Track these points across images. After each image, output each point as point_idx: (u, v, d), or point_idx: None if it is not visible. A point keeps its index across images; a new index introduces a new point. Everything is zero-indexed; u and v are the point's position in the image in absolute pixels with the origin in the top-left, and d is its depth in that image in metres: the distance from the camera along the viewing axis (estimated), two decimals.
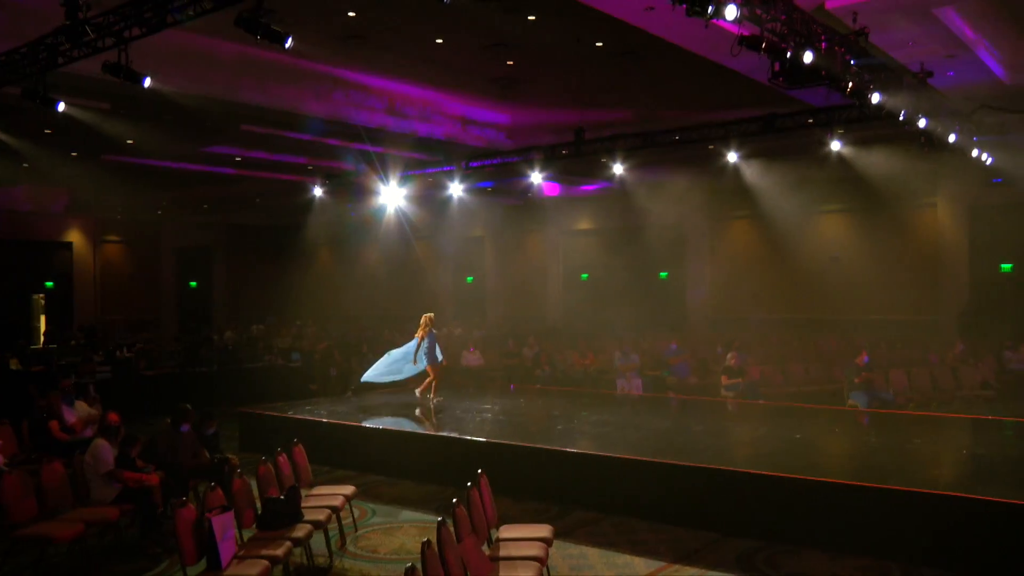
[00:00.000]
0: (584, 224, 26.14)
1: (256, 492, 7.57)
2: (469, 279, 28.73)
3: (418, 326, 12.48)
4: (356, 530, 8.40)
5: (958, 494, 7.12)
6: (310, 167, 20.27)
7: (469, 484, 6.46)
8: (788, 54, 8.35)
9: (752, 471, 8.15)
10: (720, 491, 8.07)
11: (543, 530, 6.71)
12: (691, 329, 22.46)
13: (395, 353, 12.81)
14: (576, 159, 15.69)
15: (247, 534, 7.03)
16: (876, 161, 16.60)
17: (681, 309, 23.63)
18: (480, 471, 6.94)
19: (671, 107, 16.15)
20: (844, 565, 7.06)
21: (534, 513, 8.56)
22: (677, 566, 7.24)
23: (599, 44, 13.36)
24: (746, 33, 8.21)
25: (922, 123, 11.79)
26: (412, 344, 12.43)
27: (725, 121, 13.82)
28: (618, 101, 16.44)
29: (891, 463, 8.64)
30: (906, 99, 11.31)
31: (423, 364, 12.41)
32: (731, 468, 8.30)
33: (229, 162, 19.63)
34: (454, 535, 5.71)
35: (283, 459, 7.97)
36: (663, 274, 24.19)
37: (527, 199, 24.48)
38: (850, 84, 9.79)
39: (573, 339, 19.40)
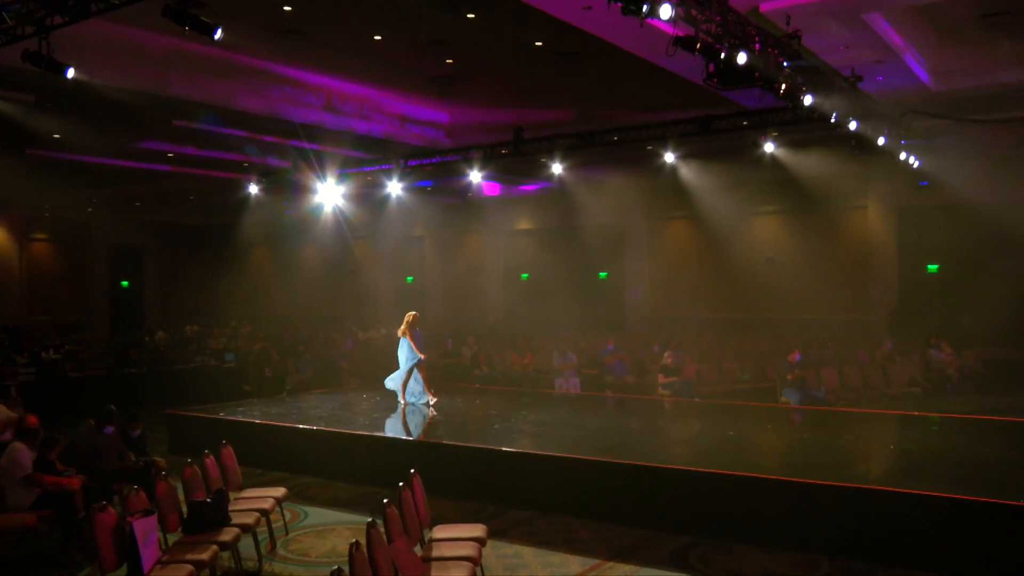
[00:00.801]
0: (524, 224, 26.15)
1: (182, 496, 7.36)
2: (409, 279, 28.52)
3: (402, 322, 12.46)
4: (287, 533, 8.23)
5: (887, 488, 7.25)
6: (246, 164, 19.88)
7: (401, 484, 6.36)
8: (723, 55, 8.43)
9: (686, 468, 8.21)
10: (655, 488, 8.10)
11: (477, 530, 6.64)
12: (630, 328, 22.63)
13: (402, 370, 12.60)
14: (515, 158, 15.65)
15: (172, 539, 6.83)
16: (809, 164, 16.92)
17: (620, 309, 23.79)
18: (413, 471, 6.84)
19: (610, 108, 16.25)
20: (776, 560, 7.14)
21: (470, 513, 8.48)
22: (611, 563, 7.25)
23: (539, 44, 13.38)
24: (681, 34, 8.27)
25: (853, 126, 12.04)
26: (405, 343, 12.35)
27: (662, 122, 13.93)
28: (558, 101, 16.49)
29: (822, 459, 8.79)
30: (837, 102, 11.54)
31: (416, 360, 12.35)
32: (665, 465, 8.35)
33: (161, 158, 19.15)
34: (385, 536, 5.61)
35: (210, 461, 7.76)
36: (602, 274, 24.32)
37: (467, 199, 24.39)
38: (783, 86, 9.94)
39: (513, 339, 19.37)
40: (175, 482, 7.34)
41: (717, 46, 8.42)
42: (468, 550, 6.19)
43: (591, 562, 7.29)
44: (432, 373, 17.52)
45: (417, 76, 15.49)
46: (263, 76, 14.66)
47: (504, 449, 9.19)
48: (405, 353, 12.34)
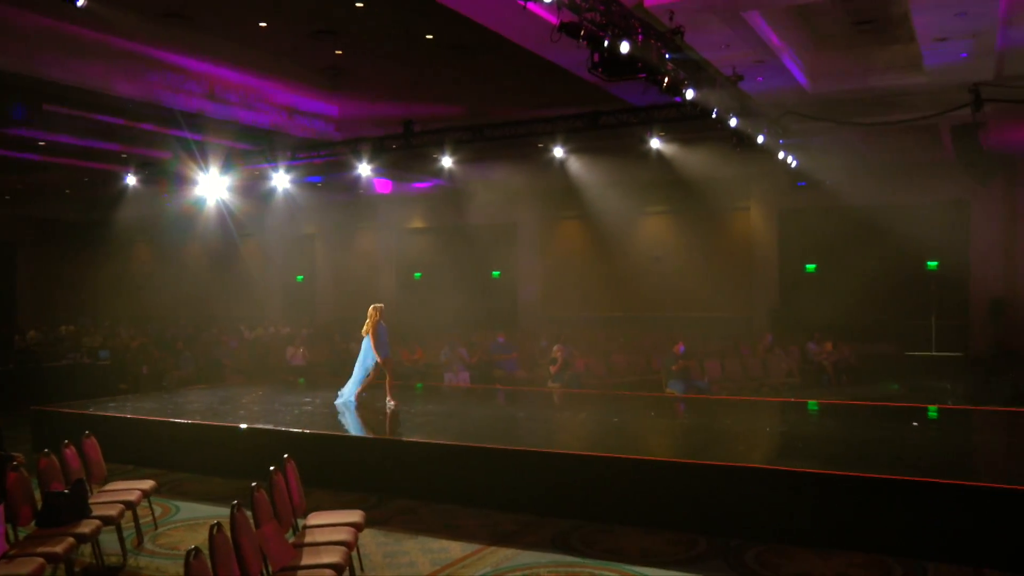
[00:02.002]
0: (417, 222, 25.98)
1: (37, 487, 6.92)
2: (299, 278, 27.92)
3: (365, 318, 11.08)
4: (156, 527, 7.85)
5: (763, 466, 7.46)
6: (124, 155, 19.03)
7: (272, 468, 6.13)
8: (606, 43, 8.51)
9: (567, 452, 8.24)
10: (539, 474, 8.10)
11: (354, 515, 6.48)
12: (522, 326, 22.75)
13: (357, 365, 11.40)
14: (406, 152, 15.50)
15: (26, 533, 6.40)
16: (695, 165, 17.40)
17: (513, 307, 23.91)
18: (286, 456, 6.62)
19: (501, 103, 16.26)
20: (655, 539, 7.23)
21: (352, 504, 8.19)
22: (492, 548, 7.19)
23: (429, 36, 13.26)
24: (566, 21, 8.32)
25: (733, 122, 12.38)
26: (367, 343, 11.03)
27: (552, 117, 14.04)
28: (449, 96, 16.39)
29: (702, 442, 9.00)
30: (718, 99, 11.86)
31: (379, 358, 10.99)
32: (547, 450, 8.36)
33: (32, 147, 18.12)
34: (252, 521, 5.40)
35: (71, 452, 7.34)
36: (495, 273, 24.39)
37: (359, 196, 24.07)
38: (666, 79, 10.13)
39: (405, 337, 19.18)
40: (30, 475, 6.89)
41: (601, 34, 8.51)
42: (343, 535, 6.02)
43: (472, 547, 7.22)
44: (319, 370, 17.22)
45: (305, 66, 15.14)
46: (141, 60, 14.01)
47: (387, 438, 9.03)
48: (366, 355, 11.11)
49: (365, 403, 11.24)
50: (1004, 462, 8.62)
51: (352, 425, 10.38)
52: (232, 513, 5.08)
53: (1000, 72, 13.07)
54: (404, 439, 9.04)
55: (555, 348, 14.50)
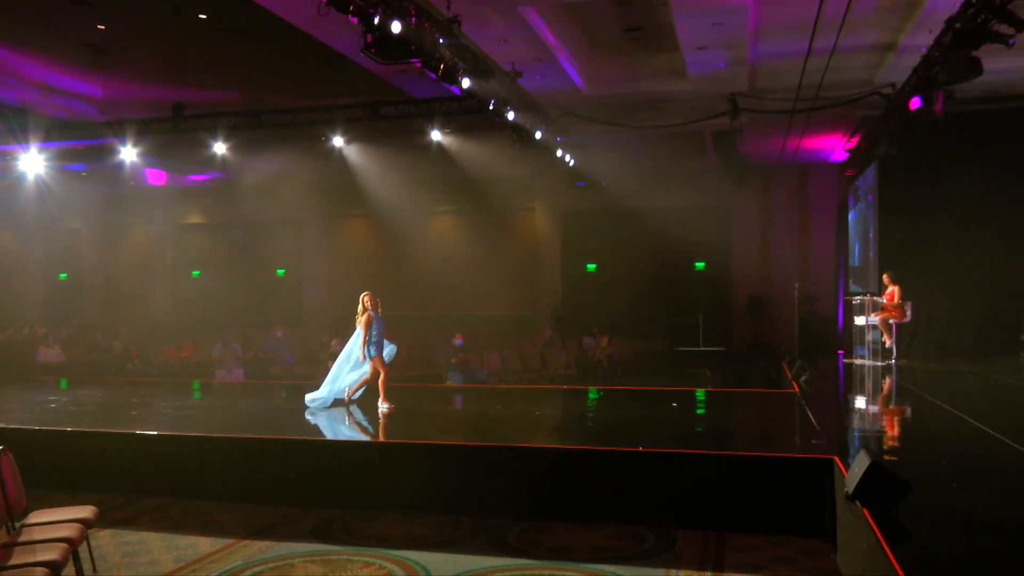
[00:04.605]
0: (196, 218, 24.67)
1: None
2: (62, 276, 25.70)
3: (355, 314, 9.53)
4: None
5: (520, 445, 7.57)
6: None
7: None
8: (376, 20, 8.34)
9: (328, 439, 8.03)
10: (298, 464, 7.78)
11: (83, 511, 5.89)
12: (308, 325, 22.12)
13: (339, 359, 9.90)
14: (176, 137, 14.57)
15: None
16: (482, 165, 17.59)
17: (298, 305, 23.24)
18: (2, 447, 5.91)
19: (280, 91, 15.68)
20: (420, 523, 7.10)
21: (95, 505, 7.58)
22: (246, 541, 6.80)
23: (202, 16, 12.53)
24: None
25: (511, 116, 12.57)
26: (356, 338, 9.54)
27: (331, 105, 13.70)
28: (224, 81, 15.58)
29: (471, 427, 9.05)
30: (497, 92, 11.99)
31: (370, 356, 9.45)
32: (305, 438, 8.08)
33: None
34: None
35: None
36: (280, 271, 23.60)
37: (130, 188, 22.47)
38: (442, 66, 10.09)
39: (176, 334, 18.09)
40: None
41: (371, 11, 8.33)
42: (66, 532, 5.45)
43: (224, 542, 6.79)
44: (80, 369, 15.82)
45: (63, 41, 13.84)
46: None
47: (136, 432, 8.35)
48: (351, 349, 9.68)
49: (117, 402, 10.40)
50: (740, 435, 9.25)
51: (99, 422, 9.53)
52: None
53: (754, 84, 14.12)
54: (153, 433, 8.37)
55: (334, 343, 14.14)
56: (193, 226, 24.77)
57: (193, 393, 12.08)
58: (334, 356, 13.70)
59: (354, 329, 9.66)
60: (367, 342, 9.35)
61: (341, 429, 9.08)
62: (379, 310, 9.46)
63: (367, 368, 9.56)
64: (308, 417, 9.41)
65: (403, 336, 19.37)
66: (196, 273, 24.24)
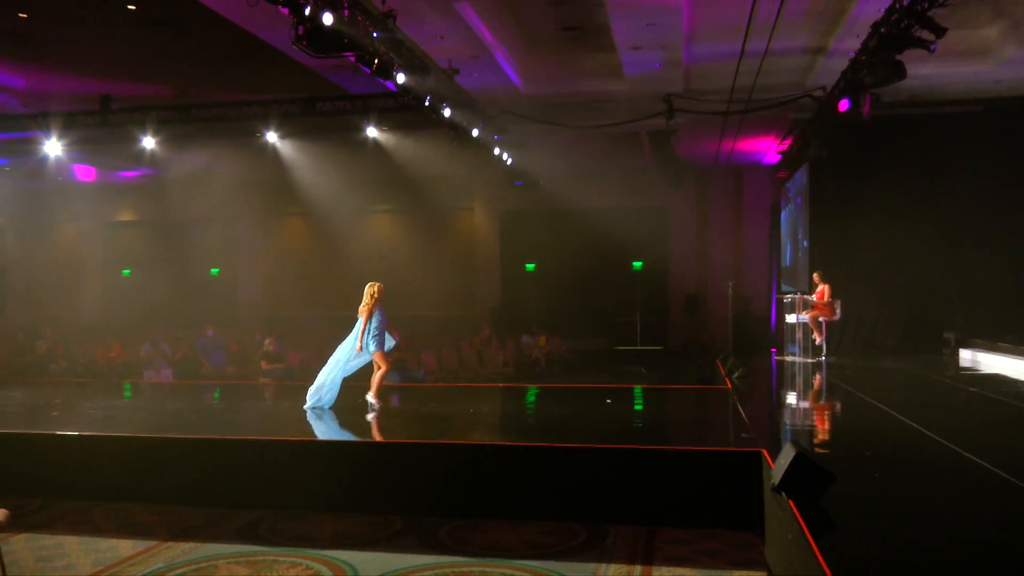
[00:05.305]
0: (127, 215, 24.08)
1: None
2: None
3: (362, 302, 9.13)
4: None
5: (450, 442, 7.55)
6: None
7: None
8: (307, 11, 8.21)
9: (254, 438, 7.83)
10: (226, 465, 7.57)
11: None
12: (243, 325, 21.72)
13: (337, 352, 9.45)
14: (103, 131, 14.16)
15: None
16: (420, 163, 17.48)
17: (232, 305, 22.80)
18: None
19: (213, 86, 15.35)
20: (349, 523, 6.99)
21: (11, 509, 7.29)
22: (170, 543, 6.60)
23: (132, 7, 12.19)
24: None
25: (447, 112, 12.50)
26: (356, 329, 9.15)
27: (265, 100, 13.46)
28: (155, 74, 15.21)
29: (401, 425, 8.92)
30: (433, 89, 11.92)
31: (370, 351, 9.11)
32: (228, 437, 7.89)
33: None
34: None
35: None
36: (214, 270, 23.14)
37: (57, 183, 21.78)
38: (376, 61, 9.98)
39: (103, 334, 17.58)
40: None
41: (302, 2, 8.19)
42: None
43: (146, 544, 6.58)
44: (1, 370, 15.26)
45: None
46: None
47: (55, 433, 8.06)
48: (369, 338, 9.10)
49: (40, 402, 10.05)
50: (673, 430, 9.33)
51: (14, 422, 9.21)
52: None
53: (689, 85, 14.28)
54: (74, 433, 8.10)
55: (267, 341, 13.90)
56: (124, 223, 24.17)
57: (118, 393, 11.74)
58: (267, 356, 13.57)
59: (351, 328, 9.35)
60: (366, 333, 9.08)
61: (271, 428, 8.91)
62: (382, 304, 9.15)
63: (365, 358, 9.29)
64: (237, 416, 9.21)
65: (340, 337, 19.28)
66: (127, 272, 23.64)
